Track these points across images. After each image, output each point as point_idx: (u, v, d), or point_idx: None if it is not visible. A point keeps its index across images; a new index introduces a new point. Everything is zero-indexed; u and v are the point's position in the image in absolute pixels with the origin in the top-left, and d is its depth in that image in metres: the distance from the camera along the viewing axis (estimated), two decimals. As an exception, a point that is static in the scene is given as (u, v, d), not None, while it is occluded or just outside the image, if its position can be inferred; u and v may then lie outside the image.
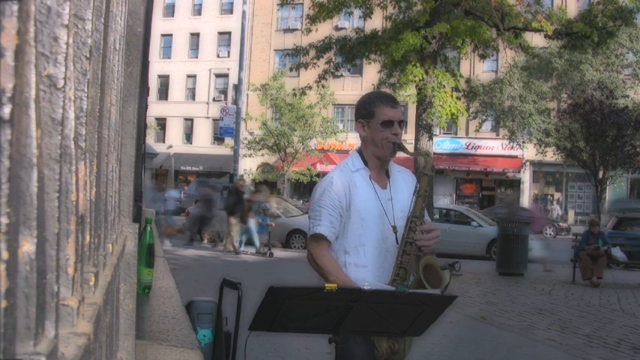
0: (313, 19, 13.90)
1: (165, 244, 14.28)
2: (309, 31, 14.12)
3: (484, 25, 12.45)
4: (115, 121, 1.46)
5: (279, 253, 15.64)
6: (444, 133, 31.83)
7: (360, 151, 2.83)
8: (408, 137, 13.34)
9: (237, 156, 20.01)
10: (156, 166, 33.86)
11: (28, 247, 0.60)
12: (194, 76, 40.16)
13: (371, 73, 26.33)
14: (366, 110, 2.76)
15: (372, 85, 16.07)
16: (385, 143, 2.71)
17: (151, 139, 34.78)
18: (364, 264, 2.68)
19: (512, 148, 30.44)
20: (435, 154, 14.60)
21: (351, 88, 34.24)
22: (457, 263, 2.63)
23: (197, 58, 40.06)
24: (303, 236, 16.33)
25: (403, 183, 2.86)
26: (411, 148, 18.91)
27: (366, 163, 2.78)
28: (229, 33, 38.57)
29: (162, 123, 39.79)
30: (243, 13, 20.20)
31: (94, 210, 1.06)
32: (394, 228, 2.68)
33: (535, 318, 8.40)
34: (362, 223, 2.68)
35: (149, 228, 3.04)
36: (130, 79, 1.95)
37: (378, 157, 2.77)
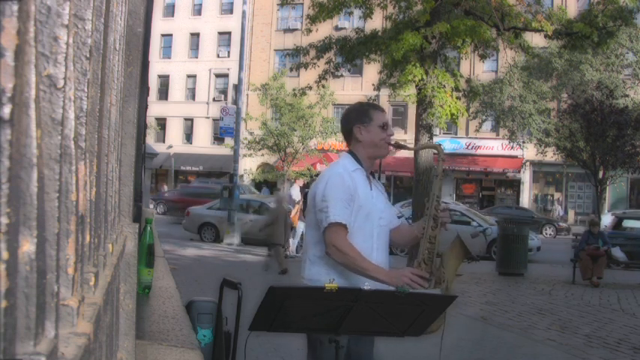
0: (313, 19, 13.89)
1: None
2: (309, 31, 14.11)
3: (484, 25, 12.44)
4: (115, 121, 1.46)
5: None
6: (444, 133, 31.81)
7: (351, 154, 3.03)
8: (408, 137, 13.39)
9: (237, 156, 19.98)
10: (156, 166, 33.88)
11: (28, 247, 0.60)
12: (194, 76, 40.17)
13: (371, 73, 26.33)
14: (364, 116, 3.01)
15: (372, 85, 16.06)
16: (383, 143, 3.00)
17: (151, 139, 34.78)
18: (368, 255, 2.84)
19: (512, 148, 30.43)
20: (435, 154, 14.57)
21: (351, 88, 34.26)
22: (488, 229, 3.02)
23: (197, 58, 40.06)
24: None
25: (380, 188, 3.14)
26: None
27: (360, 164, 2.99)
28: (229, 33, 38.57)
29: (162, 123, 39.79)
30: (243, 13, 20.17)
31: (94, 210, 1.06)
32: (380, 224, 2.96)
33: (535, 318, 8.40)
34: (360, 216, 2.88)
35: (149, 228, 3.04)
36: (130, 79, 1.95)
37: (373, 158, 3.07)
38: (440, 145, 3.39)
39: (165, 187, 34.70)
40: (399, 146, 3.19)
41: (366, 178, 2.98)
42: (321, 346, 2.77)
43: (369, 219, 2.91)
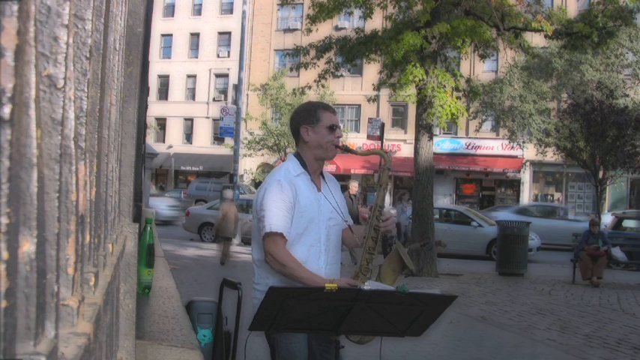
0: (313, 19, 13.89)
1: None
2: (309, 31, 14.11)
3: (484, 25, 12.44)
4: (115, 121, 1.46)
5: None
6: (444, 133, 31.80)
7: (297, 156, 2.99)
8: (408, 137, 13.34)
9: (237, 156, 19.98)
10: (156, 166, 33.90)
11: (28, 247, 0.60)
12: (194, 76, 40.15)
13: (371, 73, 26.34)
14: (311, 116, 2.95)
15: (372, 85, 16.05)
16: (330, 146, 2.94)
17: (151, 139, 34.78)
18: (304, 259, 2.82)
19: (512, 148, 30.41)
20: (435, 154, 14.56)
21: (351, 88, 34.25)
22: (428, 243, 2.92)
23: (197, 58, 40.04)
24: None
25: (333, 186, 3.08)
26: (410, 148, 18.77)
27: (304, 166, 2.95)
28: (229, 33, 38.55)
29: (162, 123, 39.78)
30: (243, 13, 20.16)
31: (94, 210, 1.06)
32: (329, 225, 2.93)
33: (535, 318, 8.40)
34: (302, 222, 2.84)
35: (149, 228, 3.04)
36: (130, 79, 1.95)
37: (320, 159, 2.99)
38: (387, 152, 3.31)
39: (153, 188, 34.35)
40: (346, 150, 3.14)
41: (311, 182, 2.93)
42: (279, 343, 2.81)
43: (315, 222, 2.88)
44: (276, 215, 2.77)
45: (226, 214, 12.97)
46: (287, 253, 2.78)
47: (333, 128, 2.93)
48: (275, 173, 2.96)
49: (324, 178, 3.05)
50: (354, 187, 14.84)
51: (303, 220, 2.84)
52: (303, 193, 2.86)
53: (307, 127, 2.93)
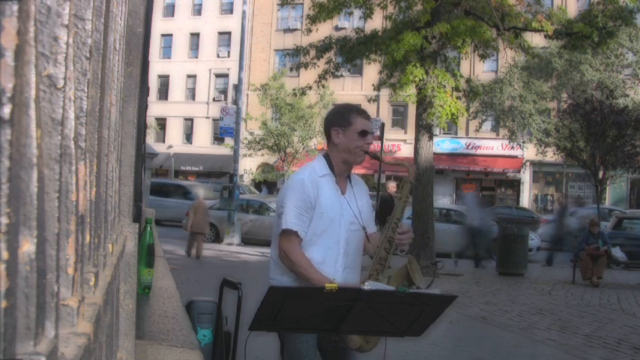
0: (313, 19, 13.90)
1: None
2: (309, 31, 14.11)
3: (484, 25, 12.44)
4: (115, 121, 1.46)
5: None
6: (444, 133, 31.77)
7: (326, 156, 2.97)
8: (408, 137, 13.34)
9: (237, 156, 19.97)
10: (156, 166, 33.85)
11: (28, 247, 0.60)
12: (194, 76, 40.14)
13: (371, 73, 26.32)
14: (343, 119, 2.93)
15: (372, 85, 16.06)
16: (358, 151, 2.90)
17: (151, 139, 34.75)
18: (320, 260, 2.81)
19: (512, 148, 30.41)
20: (435, 154, 14.55)
21: (351, 88, 34.22)
22: (439, 262, 2.84)
23: (197, 58, 40.03)
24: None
25: (360, 190, 3.06)
26: (410, 148, 18.72)
27: (331, 168, 2.93)
28: (229, 33, 38.54)
29: (162, 123, 39.77)
30: (243, 13, 20.16)
31: (94, 210, 1.06)
32: (351, 229, 2.89)
33: (535, 318, 8.40)
34: (322, 223, 2.83)
35: (149, 228, 3.04)
36: (130, 79, 1.95)
37: (347, 163, 2.96)
38: (412, 165, 3.25)
39: None
40: (374, 157, 3.09)
41: (335, 184, 2.91)
42: (288, 340, 2.83)
43: (335, 225, 2.86)
44: (293, 213, 2.79)
45: (197, 211, 13.63)
46: (299, 252, 2.79)
47: (364, 134, 2.90)
48: (300, 171, 2.98)
49: (350, 181, 3.02)
50: (392, 187, 14.82)
51: (323, 222, 2.83)
52: (325, 194, 2.86)
53: (338, 130, 2.91)
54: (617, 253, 14.14)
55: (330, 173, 2.91)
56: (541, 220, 22.44)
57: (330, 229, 2.85)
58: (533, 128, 26.69)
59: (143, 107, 3.12)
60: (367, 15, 14.13)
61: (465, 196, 24.80)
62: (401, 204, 2.91)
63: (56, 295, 0.73)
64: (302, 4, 31.25)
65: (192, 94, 40.51)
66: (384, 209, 13.56)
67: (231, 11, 38.79)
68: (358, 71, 31.54)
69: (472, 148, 33.96)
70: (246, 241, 17.46)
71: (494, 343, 6.95)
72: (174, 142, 39.64)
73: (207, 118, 39.26)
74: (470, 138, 33.80)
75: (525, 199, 33.44)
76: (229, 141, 27.64)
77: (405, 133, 33.45)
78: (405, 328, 2.48)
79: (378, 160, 3.20)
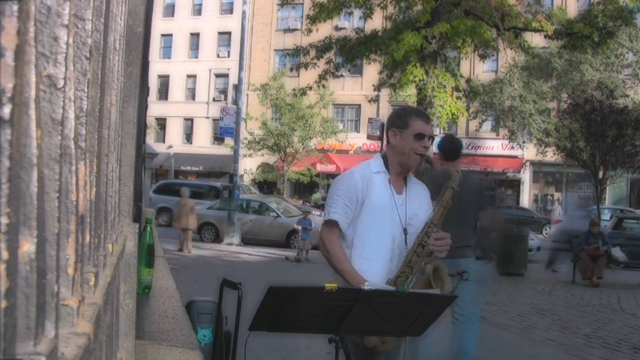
0: (313, 20, 13.91)
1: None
2: (309, 31, 14.12)
3: (484, 25, 12.45)
4: (115, 121, 1.46)
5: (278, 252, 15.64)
6: (444, 133, 31.79)
7: (384, 157, 2.98)
8: (408, 137, 13.32)
9: (237, 156, 19.97)
10: (156, 166, 33.85)
11: (28, 247, 0.60)
12: (194, 76, 40.14)
13: (371, 73, 26.33)
14: (401, 121, 2.93)
15: (373, 85, 16.07)
16: (412, 154, 2.88)
17: (151, 139, 34.76)
18: (369, 257, 2.81)
19: (512, 148, 30.42)
20: (435, 154, 14.55)
21: (351, 88, 34.23)
22: (465, 272, 2.77)
23: (197, 58, 40.04)
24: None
25: (417, 193, 3.01)
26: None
27: (387, 167, 2.93)
28: (229, 33, 38.54)
29: (162, 123, 39.77)
30: (243, 13, 20.16)
31: (94, 210, 1.06)
32: (405, 230, 2.85)
33: (535, 318, 8.40)
34: (372, 218, 2.83)
35: (149, 228, 3.04)
36: (130, 79, 1.95)
37: (402, 165, 2.93)
38: (459, 171, 3.05)
39: None
40: (427, 161, 2.97)
41: (388, 182, 2.89)
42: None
43: (387, 223, 2.83)
44: (337, 204, 2.82)
45: (182, 209, 14.54)
46: (337, 244, 2.81)
47: (420, 136, 2.88)
48: (357, 166, 3.00)
49: (406, 183, 2.98)
50: None
51: (373, 218, 2.82)
52: (376, 190, 2.86)
53: (395, 131, 2.92)
54: (617, 253, 14.13)
55: (385, 171, 2.92)
56: (553, 222, 22.57)
57: (381, 227, 2.83)
58: (533, 128, 26.70)
59: (143, 107, 3.12)
60: (367, 15, 14.14)
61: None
62: (440, 209, 2.84)
63: (56, 295, 0.73)
64: (302, 4, 31.26)
65: (192, 94, 40.51)
66: None
67: (231, 11, 38.80)
68: (358, 71, 31.55)
69: (472, 148, 33.97)
70: (246, 241, 17.46)
71: (494, 343, 6.95)
72: (174, 142, 39.64)
73: (207, 118, 39.26)
74: (470, 138, 33.80)
75: (525, 199, 33.45)
76: (229, 141, 27.66)
77: (405, 133, 33.43)
78: (405, 328, 2.48)
79: (431, 165, 3.05)
